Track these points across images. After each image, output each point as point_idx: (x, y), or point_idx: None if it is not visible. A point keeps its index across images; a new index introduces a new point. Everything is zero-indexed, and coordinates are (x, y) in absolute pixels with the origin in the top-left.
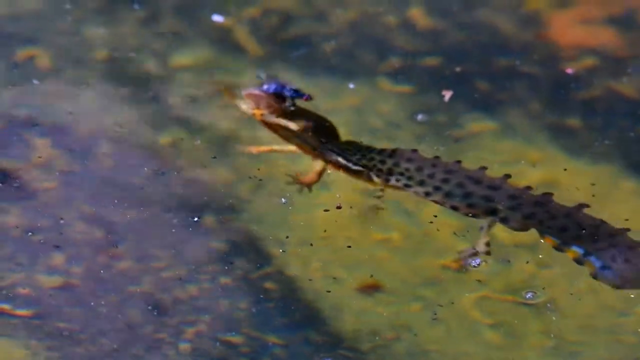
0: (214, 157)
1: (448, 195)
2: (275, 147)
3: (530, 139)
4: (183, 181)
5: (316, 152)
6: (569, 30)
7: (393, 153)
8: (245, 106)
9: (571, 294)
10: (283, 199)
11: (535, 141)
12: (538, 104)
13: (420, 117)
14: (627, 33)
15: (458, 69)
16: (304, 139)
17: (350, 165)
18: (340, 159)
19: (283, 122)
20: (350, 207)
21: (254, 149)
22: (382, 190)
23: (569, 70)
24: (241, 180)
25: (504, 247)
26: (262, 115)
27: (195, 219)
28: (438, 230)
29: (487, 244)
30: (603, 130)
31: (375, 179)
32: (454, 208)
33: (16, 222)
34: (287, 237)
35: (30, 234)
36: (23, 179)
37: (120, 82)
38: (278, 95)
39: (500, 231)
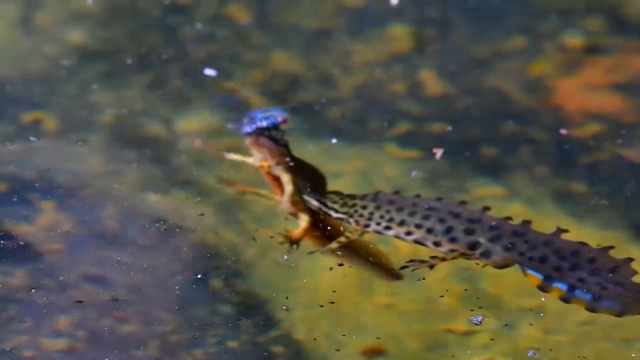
0: (224, 222)
1: (429, 231)
2: (263, 192)
3: (536, 203)
4: (189, 243)
5: (300, 199)
6: (575, 96)
7: (375, 197)
8: (252, 159)
9: (578, 357)
10: (285, 256)
11: (541, 206)
12: (544, 169)
13: (414, 174)
14: (633, 99)
15: (464, 135)
16: (297, 189)
17: (331, 213)
18: (322, 207)
19: (285, 174)
20: (350, 266)
21: (239, 188)
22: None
23: (563, 131)
24: (247, 243)
25: (509, 312)
26: (269, 167)
27: (199, 276)
28: (442, 296)
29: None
30: (609, 195)
31: (355, 226)
32: (436, 244)
33: (21, 284)
34: (287, 298)
35: (35, 295)
36: (28, 240)
37: (125, 145)
38: (276, 141)
39: (506, 295)
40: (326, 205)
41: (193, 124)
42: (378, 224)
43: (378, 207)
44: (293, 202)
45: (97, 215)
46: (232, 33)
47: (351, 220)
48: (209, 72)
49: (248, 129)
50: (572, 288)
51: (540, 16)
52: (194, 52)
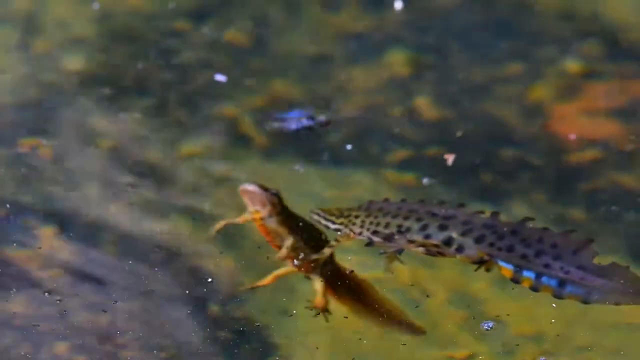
0: (221, 252)
1: (408, 230)
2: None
3: None
4: (187, 270)
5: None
6: (573, 121)
7: (368, 206)
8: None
9: None
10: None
11: None
12: (542, 195)
13: (426, 180)
14: (631, 124)
15: (463, 160)
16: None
17: (329, 224)
18: (321, 220)
19: (281, 227)
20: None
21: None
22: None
23: (572, 136)
24: (246, 269)
25: (510, 338)
26: (261, 219)
27: (197, 301)
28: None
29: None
30: (608, 222)
31: (351, 235)
32: (410, 242)
33: (19, 311)
34: (272, 327)
35: (33, 321)
36: (26, 267)
37: (124, 171)
38: (273, 194)
39: (507, 320)
40: (325, 219)
41: (192, 149)
42: (368, 229)
43: (368, 215)
44: (293, 255)
45: (96, 242)
46: (231, 58)
47: (346, 230)
48: (220, 77)
49: (293, 126)
50: (539, 275)
51: (538, 42)
52: (192, 77)
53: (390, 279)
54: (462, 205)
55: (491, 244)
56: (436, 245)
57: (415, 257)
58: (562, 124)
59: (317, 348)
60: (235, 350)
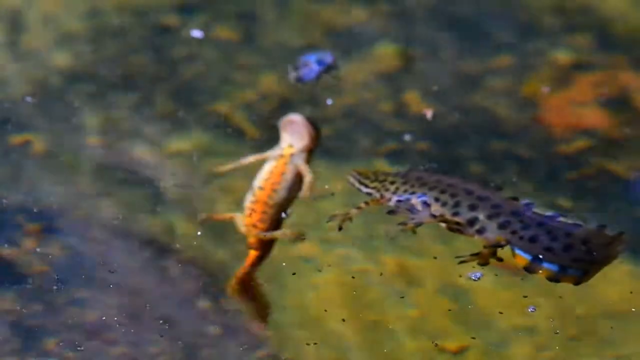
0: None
1: (444, 204)
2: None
3: None
4: (178, 265)
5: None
6: (563, 112)
7: (406, 173)
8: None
9: None
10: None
11: None
12: (531, 186)
13: (407, 137)
14: (619, 114)
15: (452, 152)
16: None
17: (362, 188)
18: (355, 183)
19: (303, 167)
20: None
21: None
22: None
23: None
24: (237, 263)
25: (501, 331)
26: (290, 155)
27: (188, 296)
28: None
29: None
30: (596, 211)
31: (381, 200)
32: (433, 216)
33: (9, 307)
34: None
35: (22, 317)
36: (15, 263)
37: (114, 167)
38: (316, 128)
39: (496, 314)
40: (360, 182)
41: (182, 144)
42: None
43: (405, 182)
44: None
45: (85, 238)
46: (220, 53)
47: (377, 194)
48: (196, 33)
49: (307, 75)
50: (564, 268)
51: (528, 34)
52: (182, 73)
53: (377, 270)
54: (499, 188)
55: (513, 232)
56: (458, 223)
57: (402, 247)
58: (551, 114)
59: (307, 343)
60: (225, 344)
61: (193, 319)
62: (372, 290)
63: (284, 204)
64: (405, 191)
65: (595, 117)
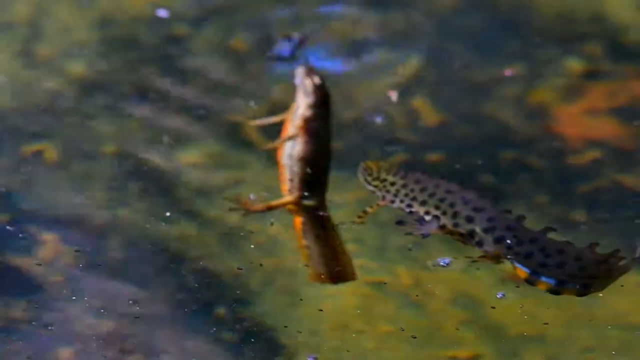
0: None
1: (444, 214)
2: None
3: None
4: (193, 273)
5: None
6: (575, 122)
7: (404, 176)
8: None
9: None
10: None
11: None
12: (543, 197)
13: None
14: (632, 124)
15: (459, 165)
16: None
17: (366, 185)
18: (361, 178)
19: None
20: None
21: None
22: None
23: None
24: (251, 271)
25: (511, 340)
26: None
27: (203, 304)
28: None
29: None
30: (609, 223)
31: (382, 201)
32: (441, 227)
33: (23, 316)
34: (285, 327)
35: (37, 327)
36: (30, 272)
37: (128, 176)
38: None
39: (508, 322)
40: (364, 178)
41: (195, 155)
42: (402, 201)
43: (405, 186)
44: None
45: (101, 247)
46: (231, 63)
47: (380, 194)
48: (162, 13)
49: (285, 52)
50: (561, 282)
51: (539, 42)
52: (193, 83)
53: (393, 282)
54: (523, 217)
55: (509, 247)
56: (461, 234)
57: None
58: (563, 124)
59: (320, 350)
60: (242, 352)
61: (209, 327)
62: (386, 300)
63: (311, 162)
64: (406, 195)
65: (607, 128)
